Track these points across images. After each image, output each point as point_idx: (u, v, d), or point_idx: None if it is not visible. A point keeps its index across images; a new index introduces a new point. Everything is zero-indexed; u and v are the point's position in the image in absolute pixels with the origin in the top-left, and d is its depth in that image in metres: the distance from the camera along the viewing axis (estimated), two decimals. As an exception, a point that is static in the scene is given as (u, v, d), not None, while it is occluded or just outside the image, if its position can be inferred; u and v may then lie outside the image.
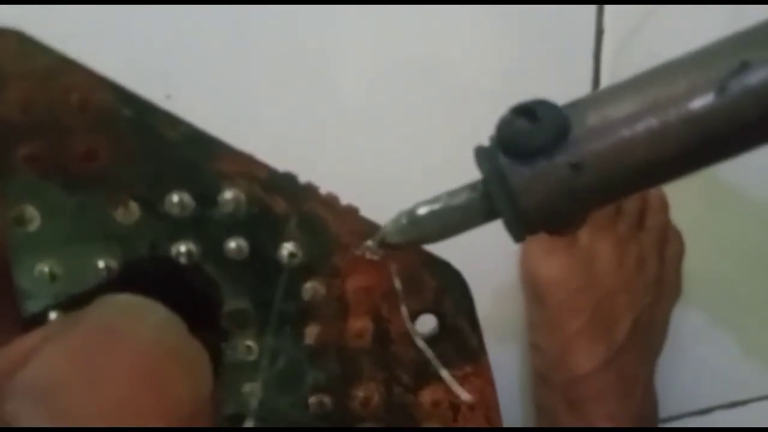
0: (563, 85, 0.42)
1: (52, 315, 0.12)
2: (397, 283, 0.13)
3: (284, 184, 0.12)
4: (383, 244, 0.12)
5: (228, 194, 0.12)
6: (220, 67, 0.36)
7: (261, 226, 0.12)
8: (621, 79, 0.11)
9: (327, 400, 0.13)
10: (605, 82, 0.43)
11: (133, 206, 0.11)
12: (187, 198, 0.12)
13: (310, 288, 0.13)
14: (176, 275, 0.12)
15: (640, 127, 0.10)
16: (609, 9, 0.42)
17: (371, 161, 0.40)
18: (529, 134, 0.11)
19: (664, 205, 0.44)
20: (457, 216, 0.12)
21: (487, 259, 0.41)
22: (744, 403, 0.52)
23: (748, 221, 0.49)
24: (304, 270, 0.12)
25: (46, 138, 0.11)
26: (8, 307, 0.12)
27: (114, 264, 0.12)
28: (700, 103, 0.10)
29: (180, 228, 0.12)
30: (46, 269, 0.11)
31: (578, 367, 0.42)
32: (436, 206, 0.12)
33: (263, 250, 0.12)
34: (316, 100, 0.39)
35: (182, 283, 0.12)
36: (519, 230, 0.11)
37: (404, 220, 0.12)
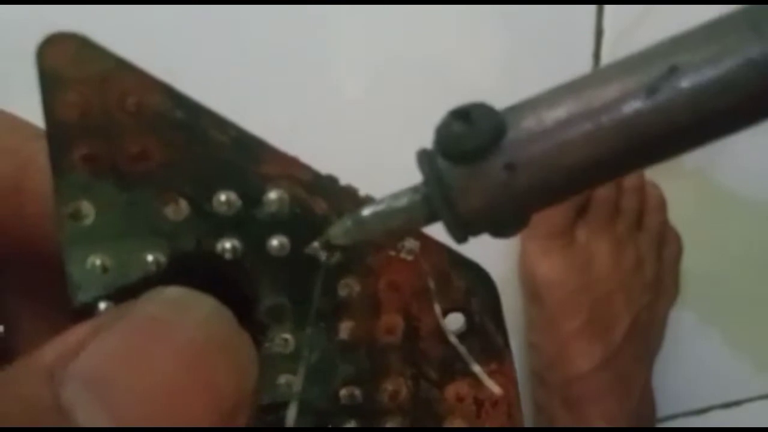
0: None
1: (102, 305, 0.12)
2: (431, 284, 0.13)
3: (326, 186, 0.12)
4: (328, 246, 0.13)
5: (272, 195, 0.12)
6: (221, 66, 0.36)
7: (302, 225, 0.12)
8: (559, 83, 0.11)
9: (357, 392, 0.14)
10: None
11: (183, 204, 0.12)
12: (233, 197, 0.12)
13: (346, 285, 0.13)
14: (216, 271, 0.12)
15: (574, 130, 0.11)
16: (608, 9, 0.42)
17: (370, 159, 0.40)
18: (464, 137, 0.11)
19: (662, 206, 0.44)
20: (400, 218, 0.12)
21: (485, 259, 0.41)
22: (740, 403, 0.52)
23: (746, 222, 0.49)
24: (341, 268, 0.13)
25: (102, 139, 0.11)
26: (57, 297, 0.13)
27: (162, 258, 0.12)
28: (631, 107, 0.10)
29: (226, 225, 0.12)
30: (98, 262, 0.12)
31: (576, 366, 0.42)
32: (379, 208, 0.12)
33: (303, 249, 0.13)
34: (316, 99, 0.39)
35: (221, 278, 0.12)
36: (458, 231, 0.11)
37: (348, 222, 0.12)
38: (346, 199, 0.13)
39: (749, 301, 0.50)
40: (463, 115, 0.11)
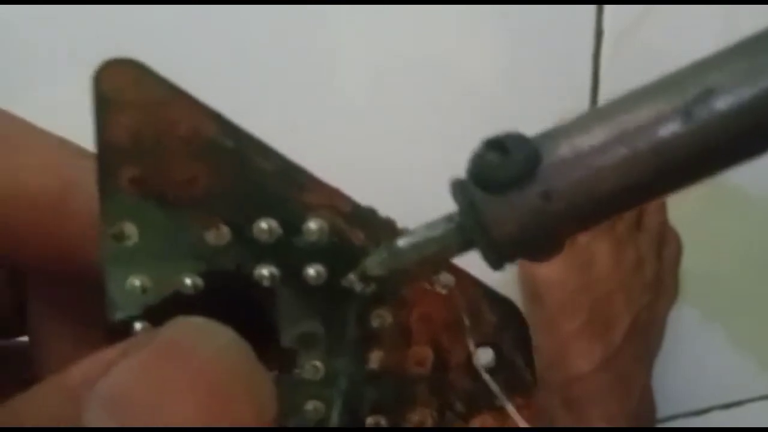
0: (563, 85, 0.42)
1: (137, 326, 0.12)
2: (466, 320, 0.14)
3: (364, 217, 0.13)
4: (364, 277, 0.13)
5: (312, 224, 0.12)
6: (221, 66, 0.36)
7: (340, 255, 0.13)
8: (602, 102, 0.12)
9: (383, 421, 0.14)
10: (605, 82, 0.43)
11: (224, 229, 0.12)
12: (274, 225, 0.12)
13: (378, 316, 0.13)
14: (252, 296, 0.13)
15: (610, 156, 0.11)
16: (608, 9, 0.42)
17: (371, 160, 0.40)
18: (499, 167, 0.11)
19: (661, 206, 0.44)
20: (435, 247, 0.12)
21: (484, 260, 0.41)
22: (741, 403, 0.52)
23: (746, 222, 0.49)
24: (375, 299, 0.13)
25: (151, 163, 0.11)
26: (90, 314, 0.13)
27: (200, 281, 0.12)
28: (667, 130, 0.10)
29: (265, 252, 0.12)
30: (137, 282, 0.12)
31: (575, 367, 0.42)
32: (413, 238, 0.12)
33: (339, 279, 0.13)
34: (316, 99, 0.39)
35: (256, 304, 0.13)
36: (494, 259, 0.12)
37: (384, 253, 0.12)
38: (384, 230, 0.13)
39: (749, 301, 0.50)
40: (498, 145, 0.11)
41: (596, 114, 0.11)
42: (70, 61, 0.35)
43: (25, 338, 0.15)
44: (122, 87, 0.11)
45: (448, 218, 0.12)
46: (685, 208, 0.45)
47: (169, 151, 0.12)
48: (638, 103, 0.11)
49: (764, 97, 0.10)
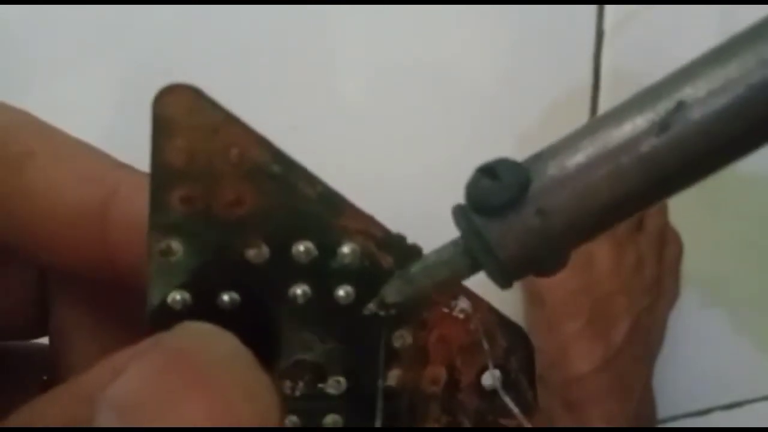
0: (563, 85, 0.42)
1: None
2: (485, 344, 0.14)
3: (394, 243, 0.13)
4: (383, 305, 0.13)
5: (347, 248, 0.13)
6: (221, 66, 0.36)
7: (368, 278, 0.13)
8: (591, 119, 0.12)
9: None
10: (605, 82, 0.43)
11: (264, 249, 0.13)
12: (311, 247, 0.13)
13: (400, 336, 0.14)
14: (283, 314, 0.13)
15: (596, 172, 0.11)
16: (609, 9, 0.42)
17: (370, 161, 0.40)
18: (492, 192, 0.12)
19: (662, 208, 0.44)
20: (446, 271, 0.13)
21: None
22: (742, 404, 0.52)
23: (747, 223, 0.49)
24: (397, 320, 0.14)
25: (201, 184, 0.12)
26: (124, 323, 0.14)
27: (237, 297, 0.13)
28: (645, 144, 0.11)
29: (300, 272, 0.13)
30: (178, 297, 0.13)
31: (576, 368, 0.42)
32: (425, 264, 0.13)
33: (367, 299, 0.13)
34: (316, 100, 0.39)
35: (287, 321, 0.13)
36: (501, 279, 0.12)
37: (399, 281, 0.13)
38: (411, 256, 0.13)
39: (750, 301, 0.50)
40: (489, 171, 0.12)
41: (581, 133, 0.12)
42: (69, 61, 0.35)
43: (44, 340, 0.15)
44: (179, 111, 0.12)
45: (455, 243, 0.13)
46: (685, 209, 0.45)
47: (219, 174, 0.12)
48: (618, 120, 0.11)
49: (735, 105, 0.11)
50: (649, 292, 0.43)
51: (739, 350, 0.51)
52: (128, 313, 0.13)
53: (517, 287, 0.45)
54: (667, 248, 0.45)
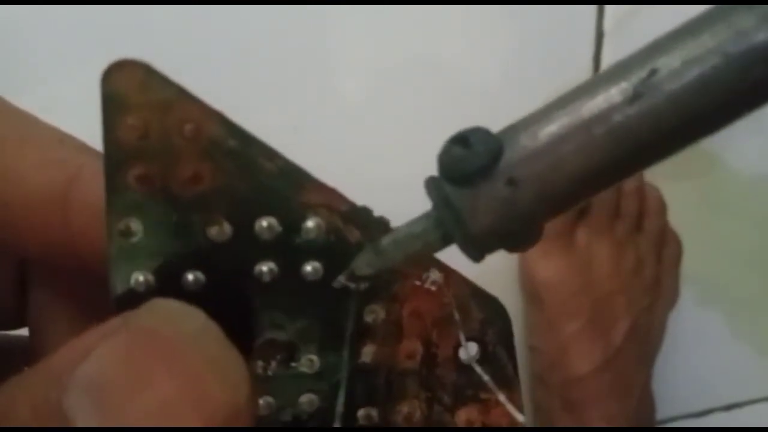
0: (564, 86, 0.42)
1: None
2: (456, 315, 0.14)
3: (360, 216, 0.13)
4: (353, 278, 0.13)
5: (311, 223, 0.13)
6: (221, 66, 0.36)
7: (336, 253, 0.13)
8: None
9: (374, 413, 0.14)
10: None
11: (227, 227, 0.12)
12: (274, 223, 0.13)
13: (372, 311, 0.14)
14: (251, 291, 0.13)
15: (569, 142, 0.11)
16: (609, 9, 0.42)
17: (371, 160, 0.40)
18: (463, 160, 0.11)
19: (662, 208, 0.44)
20: (417, 243, 0.12)
21: (485, 261, 0.41)
22: (741, 405, 0.52)
23: (746, 224, 0.49)
24: (369, 294, 0.13)
25: (157, 161, 0.12)
26: (94, 304, 0.14)
27: (201, 277, 0.13)
28: (618, 114, 0.11)
29: (265, 249, 0.13)
30: (141, 278, 0.12)
31: (575, 368, 0.42)
32: (396, 236, 0.13)
33: (335, 275, 0.13)
34: (317, 100, 0.39)
35: (255, 299, 0.13)
36: (472, 250, 0.12)
37: (370, 253, 0.13)
38: (378, 228, 0.13)
39: (749, 302, 0.50)
40: (462, 139, 0.12)
41: (555, 104, 0.12)
42: (70, 61, 0.35)
43: (26, 331, 0.15)
44: (129, 88, 0.11)
45: (427, 215, 0.12)
46: (685, 209, 0.45)
47: (174, 151, 0.12)
48: (591, 90, 0.11)
49: (707, 75, 0.10)
50: (648, 292, 0.43)
51: (738, 351, 0.51)
52: (105, 302, 0.13)
53: (517, 287, 0.45)
54: (667, 249, 0.45)
